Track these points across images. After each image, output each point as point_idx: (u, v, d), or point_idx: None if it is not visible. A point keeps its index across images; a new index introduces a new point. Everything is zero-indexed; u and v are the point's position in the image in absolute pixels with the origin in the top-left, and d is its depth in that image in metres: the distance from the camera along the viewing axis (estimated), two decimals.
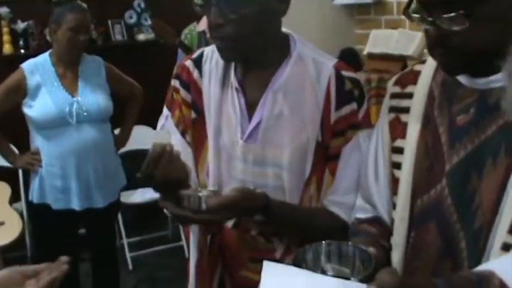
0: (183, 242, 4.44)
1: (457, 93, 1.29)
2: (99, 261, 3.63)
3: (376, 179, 1.47)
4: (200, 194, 1.43)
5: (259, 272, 1.25)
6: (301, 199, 1.60)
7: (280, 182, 1.59)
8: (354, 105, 1.58)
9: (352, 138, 1.58)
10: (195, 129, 1.67)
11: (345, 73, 1.60)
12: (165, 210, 1.50)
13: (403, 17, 4.40)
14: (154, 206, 1.83)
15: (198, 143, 1.68)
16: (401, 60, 3.86)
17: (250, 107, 1.61)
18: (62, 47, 3.22)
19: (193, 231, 1.73)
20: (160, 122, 1.75)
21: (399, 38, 3.95)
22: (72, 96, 3.22)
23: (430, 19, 1.19)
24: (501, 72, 1.19)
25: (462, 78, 1.29)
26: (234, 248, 1.65)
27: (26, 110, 3.21)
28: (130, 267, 4.45)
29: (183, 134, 1.70)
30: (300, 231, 1.61)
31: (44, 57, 3.29)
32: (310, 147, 1.58)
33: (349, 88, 1.58)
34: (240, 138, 1.60)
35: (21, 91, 3.21)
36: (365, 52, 4.25)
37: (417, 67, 1.43)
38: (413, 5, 1.24)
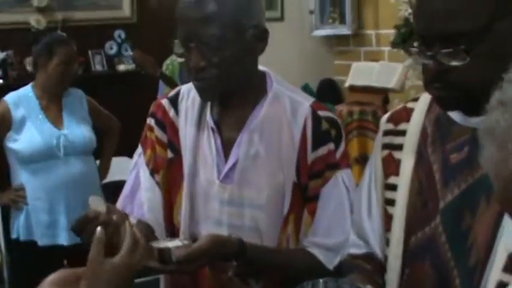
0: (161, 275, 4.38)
1: (450, 131, 1.31)
2: None
3: (369, 215, 1.47)
4: (170, 245, 1.41)
5: None
6: (279, 240, 1.59)
7: (256, 222, 1.58)
8: (331, 146, 1.58)
9: (331, 178, 1.58)
10: (171, 169, 1.66)
11: (321, 113, 1.60)
12: None
13: (382, 48, 4.48)
14: None
15: (174, 184, 1.66)
16: (383, 92, 3.90)
17: (227, 147, 1.60)
18: (53, 79, 3.21)
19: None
20: (134, 158, 1.74)
21: (380, 70, 4.00)
22: (58, 129, 3.20)
23: (429, 53, 1.21)
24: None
25: (456, 116, 1.30)
26: None
27: (11, 144, 3.17)
28: None
29: (152, 173, 1.68)
30: (279, 273, 1.59)
31: (26, 90, 3.27)
32: (287, 188, 1.57)
33: (325, 128, 1.58)
34: (216, 179, 1.59)
35: (5, 124, 3.16)
36: (346, 84, 4.30)
37: (410, 104, 1.45)
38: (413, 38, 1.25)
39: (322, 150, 1.57)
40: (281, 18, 5.27)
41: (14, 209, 3.29)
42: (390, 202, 1.40)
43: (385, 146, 1.44)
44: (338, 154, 1.59)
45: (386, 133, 1.45)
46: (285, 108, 1.59)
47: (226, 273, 1.57)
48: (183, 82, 4.00)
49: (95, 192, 3.27)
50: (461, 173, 1.26)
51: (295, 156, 1.57)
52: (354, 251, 1.51)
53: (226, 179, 1.59)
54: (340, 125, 1.63)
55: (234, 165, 1.58)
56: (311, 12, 5.18)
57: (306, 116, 1.58)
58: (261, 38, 1.55)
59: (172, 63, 4.29)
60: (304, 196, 1.59)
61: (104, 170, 3.67)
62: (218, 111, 1.62)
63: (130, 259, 1.21)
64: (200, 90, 1.55)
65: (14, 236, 3.29)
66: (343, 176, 1.59)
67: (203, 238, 1.44)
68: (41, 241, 3.21)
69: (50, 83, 3.22)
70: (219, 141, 1.60)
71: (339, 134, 1.60)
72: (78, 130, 3.25)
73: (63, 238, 3.21)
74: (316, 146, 1.57)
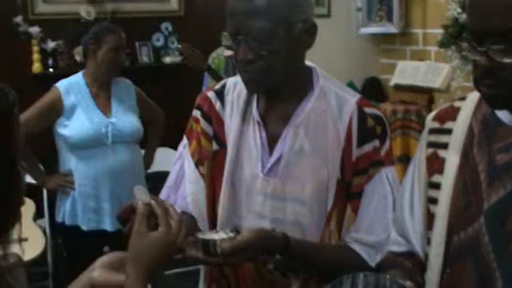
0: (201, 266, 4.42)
1: (497, 131, 1.29)
2: None
3: (411, 214, 1.46)
4: (216, 237, 1.43)
5: None
6: (322, 236, 1.59)
7: (298, 217, 1.59)
8: (376, 143, 1.58)
9: (375, 175, 1.58)
10: (215, 161, 1.67)
11: (367, 110, 1.60)
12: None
13: (428, 47, 4.42)
14: None
15: (217, 176, 1.67)
16: (428, 92, 3.86)
17: (272, 141, 1.61)
18: (103, 67, 3.27)
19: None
20: (179, 149, 1.77)
21: (426, 70, 3.96)
22: (107, 117, 3.26)
23: (481, 49, 1.19)
24: None
25: (504, 116, 1.29)
26: (250, 281, 1.64)
27: (61, 130, 3.24)
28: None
29: (197, 165, 1.70)
30: (320, 268, 1.60)
31: (78, 77, 3.34)
32: (330, 184, 1.57)
33: (371, 125, 1.58)
34: (260, 172, 1.60)
35: (56, 110, 3.24)
36: (392, 83, 4.26)
37: (457, 103, 1.44)
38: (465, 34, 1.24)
39: (367, 147, 1.57)
40: (328, 15, 5.26)
41: (61, 194, 3.37)
42: (433, 201, 1.39)
43: (430, 144, 1.44)
44: (383, 151, 1.59)
45: (432, 131, 1.44)
46: (331, 104, 1.59)
47: (266, 266, 1.58)
48: (229, 76, 4.03)
49: (140, 181, 3.33)
50: (508, 174, 1.25)
51: (340, 153, 1.57)
52: (395, 248, 1.50)
53: (270, 172, 1.60)
54: (385, 122, 1.63)
55: (279, 159, 1.59)
56: (358, 9, 5.15)
57: (351, 112, 1.58)
58: (310, 32, 1.55)
59: (218, 56, 4.31)
60: (348, 193, 1.58)
61: (148, 160, 3.72)
62: (264, 105, 1.63)
63: (170, 236, 1.26)
64: (247, 83, 1.56)
65: (59, 220, 3.37)
66: (387, 173, 1.59)
67: (248, 231, 1.45)
68: (86, 226, 3.29)
69: (100, 71, 3.28)
70: (264, 135, 1.61)
71: (384, 131, 1.60)
72: (125, 119, 3.31)
73: (108, 224, 3.27)
74: (361, 143, 1.57)
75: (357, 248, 1.59)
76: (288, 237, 1.50)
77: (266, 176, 1.60)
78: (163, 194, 1.75)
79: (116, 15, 4.72)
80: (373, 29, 5.10)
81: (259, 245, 1.45)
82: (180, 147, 1.76)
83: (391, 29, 4.93)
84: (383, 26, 5.02)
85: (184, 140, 1.76)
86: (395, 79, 4.12)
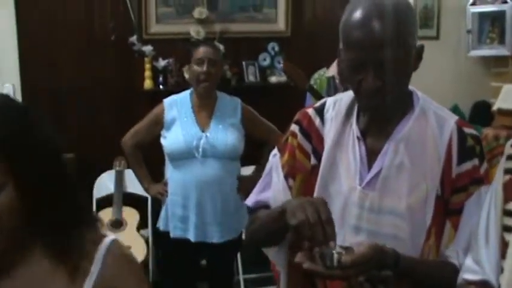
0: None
1: None
2: None
3: (486, 242, 1.43)
4: (334, 251, 1.45)
5: None
6: (422, 251, 1.61)
7: (395, 230, 1.61)
8: (475, 161, 1.61)
9: (475, 193, 1.59)
10: (313, 175, 1.71)
11: (466, 130, 1.64)
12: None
13: None
14: None
15: (310, 189, 1.71)
16: None
17: (371, 156, 1.66)
18: (191, 79, 3.46)
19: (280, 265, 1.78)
20: (269, 159, 1.83)
21: None
22: (202, 131, 3.38)
23: None
24: None
25: None
26: None
27: (162, 141, 3.45)
28: None
29: (286, 177, 1.76)
30: (422, 283, 1.61)
31: (185, 94, 3.52)
32: (429, 200, 1.59)
33: (470, 144, 1.62)
34: (358, 185, 1.64)
35: (160, 123, 3.46)
36: (495, 107, 4.13)
37: None
38: None
39: (467, 166, 1.60)
40: (436, 37, 5.16)
41: (162, 202, 3.56)
42: (508, 229, 1.36)
43: (508, 171, 1.41)
44: (482, 170, 1.61)
45: (510, 157, 1.41)
46: (431, 122, 1.64)
47: (357, 278, 1.60)
48: (330, 95, 4.05)
49: (228, 197, 3.42)
50: None
51: (440, 170, 1.60)
52: (469, 276, 1.47)
53: (369, 186, 1.64)
54: (482, 143, 1.66)
55: (378, 173, 1.63)
56: (468, 31, 5.02)
57: (451, 131, 1.62)
58: (420, 56, 1.61)
59: (320, 77, 4.34)
60: (447, 209, 1.60)
61: (256, 176, 3.77)
62: (365, 122, 1.68)
63: None
64: (372, 109, 1.62)
65: (157, 225, 3.58)
66: (487, 191, 1.57)
67: (363, 246, 1.49)
68: (173, 233, 3.45)
69: (192, 85, 3.45)
70: (363, 149, 1.66)
71: (482, 151, 1.64)
72: (222, 135, 3.40)
73: (191, 234, 3.39)
74: (461, 161, 1.60)
75: (455, 263, 1.59)
76: (398, 253, 1.53)
77: (364, 189, 1.64)
78: (249, 201, 1.83)
79: (224, 35, 4.87)
80: (484, 51, 4.96)
81: (375, 259, 1.48)
82: (270, 157, 1.83)
83: (503, 51, 4.78)
84: (494, 48, 4.87)
85: (275, 151, 1.82)
86: (499, 103, 3.99)
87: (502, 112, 3.97)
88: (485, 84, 5.12)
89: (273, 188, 1.79)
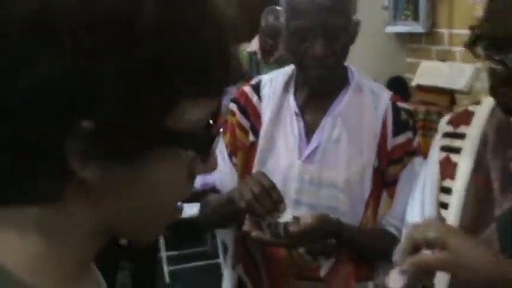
0: (221, 260, 4.46)
1: None
2: (138, 272, 3.68)
3: (421, 217, 1.46)
4: (281, 221, 1.52)
5: None
6: (361, 222, 1.67)
7: (335, 203, 1.65)
8: (409, 134, 1.68)
9: (408, 164, 1.67)
10: (252, 151, 1.74)
11: (400, 104, 1.71)
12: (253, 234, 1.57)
13: (454, 48, 4.34)
14: (195, 222, 1.94)
15: (249, 165, 1.73)
16: (450, 93, 3.82)
17: (309, 131, 1.69)
18: None
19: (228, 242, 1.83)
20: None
21: (449, 71, 3.92)
22: None
23: (498, 57, 1.19)
24: None
25: None
26: (279, 264, 1.70)
27: None
28: (167, 280, 4.49)
29: (230, 155, 1.78)
30: (360, 251, 1.69)
31: None
32: (366, 172, 1.65)
33: (404, 118, 1.69)
34: (297, 159, 1.67)
35: None
36: (413, 83, 4.23)
37: (471, 108, 1.43)
38: (482, 41, 1.22)
39: (402, 138, 1.67)
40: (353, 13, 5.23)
41: None
42: (444, 205, 1.39)
43: (443, 148, 1.43)
44: (415, 142, 1.70)
45: (446, 135, 1.44)
46: (367, 97, 1.70)
47: (298, 250, 1.67)
48: (252, 71, 4.05)
49: None
50: None
51: (376, 143, 1.66)
52: None
53: (308, 160, 1.67)
54: (415, 117, 1.74)
55: (316, 147, 1.67)
56: (384, 8, 5.11)
57: (386, 106, 1.69)
58: (357, 30, 1.66)
59: (241, 52, 4.33)
60: (383, 180, 1.67)
61: None
62: (303, 98, 1.71)
63: None
64: (319, 79, 1.64)
65: None
66: (420, 163, 1.66)
67: (310, 215, 1.56)
68: None
69: None
70: (302, 125, 1.69)
71: (415, 124, 1.73)
72: None
73: None
74: (396, 134, 1.67)
75: (394, 232, 1.66)
76: (342, 222, 1.60)
77: (303, 163, 1.67)
78: (196, 183, 1.81)
79: None
80: (400, 28, 5.06)
81: (321, 228, 1.56)
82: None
83: (418, 28, 4.89)
84: (409, 25, 4.98)
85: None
86: (418, 79, 4.09)
87: (420, 88, 4.07)
88: (401, 60, 5.24)
89: (219, 169, 1.77)
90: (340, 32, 1.58)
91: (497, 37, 1.19)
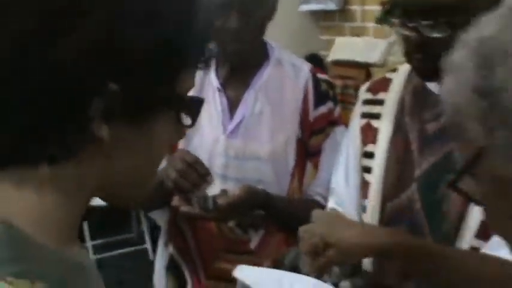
0: (148, 245, 4.43)
1: (428, 101, 1.34)
2: None
3: (346, 183, 1.50)
4: (209, 194, 1.54)
5: (234, 263, 1.38)
6: (288, 192, 1.70)
7: (260, 175, 1.68)
8: (330, 104, 1.72)
9: (330, 134, 1.71)
10: None
11: (320, 76, 1.74)
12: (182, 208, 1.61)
13: (367, 24, 4.44)
14: (119, 209, 1.90)
15: (176, 146, 1.71)
16: (365, 67, 3.91)
17: (232, 106, 1.70)
18: None
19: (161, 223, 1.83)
20: None
21: (363, 45, 4.02)
22: None
23: (411, 25, 1.24)
24: None
25: (433, 87, 1.33)
26: (209, 238, 1.72)
27: None
28: None
29: None
30: (291, 220, 1.66)
31: None
32: (290, 143, 1.68)
33: (325, 89, 1.72)
34: (222, 134, 1.69)
35: None
36: (329, 59, 4.31)
37: (388, 75, 1.48)
38: (396, 10, 1.27)
39: (323, 109, 1.71)
40: None
41: None
42: (367, 170, 1.44)
43: (364, 115, 1.48)
44: (336, 112, 1.73)
45: (365, 102, 1.49)
46: (287, 70, 1.72)
47: (227, 223, 1.69)
48: None
49: None
50: (438, 141, 1.30)
51: (298, 114, 1.69)
52: None
53: (232, 135, 1.69)
54: (335, 87, 1.79)
55: (240, 122, 1.69)
56: None
57: (306, 78, 1.72)
58: (275, 6, 1.68)
59: None
60: (307, 151, 1.70)
61: None
62: (224, 74, 1.72)
63: None
64: (235, 53, 1.65)
65: None
66: (342, 131, 1.69)
67: (238, 188, 1.58)
68: None
69: None
70: (224, 100, 1.71)
71: (335, 95, 1.77)
72: None
73: None
74: (317, 105, 1.70)
75: (320, 199, 1.70)
76: (269, 193, 1.63)
77: (228, 138, 1.69)
78: None
79: None
80: (313, 6, 5.12)
81: (249, 200, 1.59)
82: None
83: (331, 5, 4.96)
84: (322, 2, 5.05)
85: None
86: (334, 55, 4.17)
87: (336, 63, 4.15)
88: (315, 38, 5.31)
89: None
90: (256, 6, 1.59)
91: (410, 5, 1.24)
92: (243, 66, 1.70)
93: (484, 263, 1.18)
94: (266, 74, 1.71)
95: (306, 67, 1.75)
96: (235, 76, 1.72)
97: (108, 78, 0.65)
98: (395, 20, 1.28)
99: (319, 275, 1.24)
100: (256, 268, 1.30)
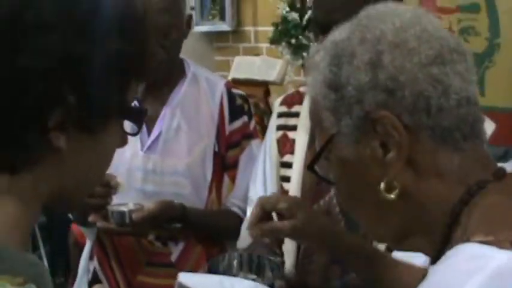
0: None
1: None
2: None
3: (265, 193, 1.56)
4: (125, 209, 1.56)
5: (155, 276, 1.48)
6: (206, 205, 1.74)
7: (178, 189, 1.71)
8: (245, 118, 1.78)
9: (247, 147, 1.77)
10: None
11: (234, 90, 1.81)
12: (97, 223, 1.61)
13: (259, 44, 4.55)
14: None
15: None
16: (264, 85, 4.02)
17: (150, 122, 1.73)
18: None
19: (90, 239, 1.81)
20: None
21: (261, 64, 4.13)
22: None
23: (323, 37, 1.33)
24: None
25: None
26: (129, 252, 1.73)
27: None
28: None
29: None
30: (208, 233, 1.76)
31: None
32: (207, 157, 1.73)
33: (239, 103, 1.78)
34: (140, 150, 1.72)
35: None
36: (229, 77, 4.40)
37: (302, 89, 1.57)
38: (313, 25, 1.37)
39: (238, 123, 1.77)
40: None
41: None
42: (286, 179, 1.51)
43: (280, 127, 1.56)
44: (251, 126, 1.79)
45: (281, 115, 1.57)
46: (203, 86, 1.78)
47: (147, 237, 1.71)
48: None
49: None
50: None
51: (215, 128, 1.74)
52: None
53: (150, 150, 1.72)
54: (249, 101, 1.85)
55: (157, 137, 1.72)
56: (192, 8, 5.23)
57: (221, 93, 1.78)
58: (189, 25, 1.74)
59: None
60: (224, 164, 1.75)
61: None
62: (141, 91, 1.75)
63: None
64: (152, 71, 1.63)
65: None
66: (257, 145, 1.76)
67: (153, 202, 1.61)
68: None
69: None
70: None
71: (250, 109, 1.83)
72: None
73: None
74: (232, 119, 1.76)
75: (237, 210, 1.75)
76: (185, 206, 1.66)
77: (146, 153, 1.72)
78: None
79: None
80: (207, 27, 5.20)
81: (165, 214, 1.62)
82: None
83: (224, 27, 5.06)
84: (216, 24, 5.14)
85: None
86: (233, 73, 4.25)
87: (235, 81, 4.24)
88: (209, 59, 5.38)
89: None
90: (171, 29, 1.64)
91: (324, 23, 1.34)
92: (159, 83, 1.74)
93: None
94: (183, 90, 1.76)
95: (221, 82, 1.81)
96: (153, 93, 1.75)
97: (66, 90, 0.69)
98: (312, 33, 1.39)
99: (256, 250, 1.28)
100: (196, 274, 1.34)
